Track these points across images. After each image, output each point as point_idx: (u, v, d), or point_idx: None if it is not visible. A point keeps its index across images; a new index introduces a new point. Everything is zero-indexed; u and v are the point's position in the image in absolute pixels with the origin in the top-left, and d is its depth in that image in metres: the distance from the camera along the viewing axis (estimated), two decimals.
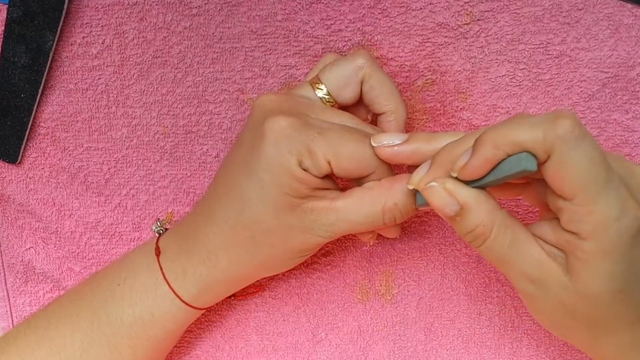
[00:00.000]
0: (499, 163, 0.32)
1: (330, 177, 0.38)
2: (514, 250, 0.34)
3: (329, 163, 0.37)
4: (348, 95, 0.39)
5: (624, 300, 0.34)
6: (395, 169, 0.40)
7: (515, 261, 0.34)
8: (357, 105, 0.41)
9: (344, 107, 0.40)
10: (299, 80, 0.44)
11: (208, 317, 0.47)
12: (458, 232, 0.35)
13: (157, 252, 0.41)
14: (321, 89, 0.39)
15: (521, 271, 0.34)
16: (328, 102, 0.40)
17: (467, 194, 0.33)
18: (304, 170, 0.36)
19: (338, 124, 0.38)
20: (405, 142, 0.37)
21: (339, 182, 0.40)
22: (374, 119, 0.41)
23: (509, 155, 0.32)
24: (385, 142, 0.37)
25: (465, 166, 0.33)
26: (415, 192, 0.37)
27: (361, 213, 0.38)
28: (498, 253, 0.34)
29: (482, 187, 0.34)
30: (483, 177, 0.33)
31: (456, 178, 0.34)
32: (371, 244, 0.45)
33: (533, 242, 0.34)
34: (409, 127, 0.44)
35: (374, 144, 0.37)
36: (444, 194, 0.34)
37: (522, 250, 0.34)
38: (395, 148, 0.37)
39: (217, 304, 0.44)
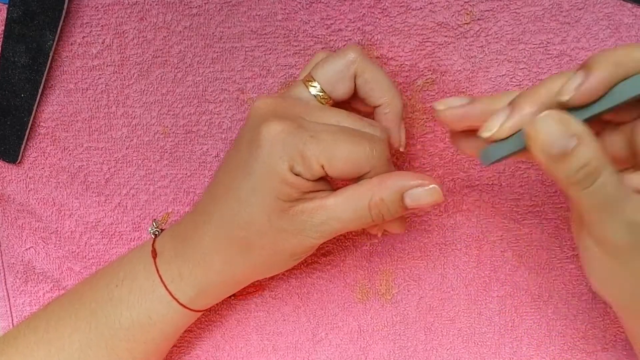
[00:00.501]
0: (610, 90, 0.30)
1: (324, 178, 0.38)
2: (622, 192, 0.30)
3: (322, 166, 0.36)
4: (342, 90, 0.39)
5: None
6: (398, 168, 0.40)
7: (622, 204, 0.30)
8: (354, 99, 0.41)
9: (339, 103, 0.40)
10: None
11: (208, 317, 0.47)
12: (563, 173, 0.30)
13: (154, 254, 0.41)
14: (314, 87, 0.39)
15: (625, 216, 0.31)
16: (322, 99, 0.39)
17: (582, 126, 0.30)
18: (296, 175, 0.36)
19: (333, 126, 0.37)
20: (472, 103, 0.34)
21: (334, 183, 0.40)
22: (371, 113, 0.41)
23: (624, 79, 0.30)
24: (454, 104, 0.34)
25: (581, 88, 0.30)
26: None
27: (349, 209, 0.37)
28: (607, 195, 0.30)
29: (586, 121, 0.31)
30: (590, 106, 0.30)
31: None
32: (379, 236, 0.44)
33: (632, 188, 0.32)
34: (409, 127, 0.44)
35: (439, 108, 0.35)
36: (555, 126, 0.30)
37: (629, 192, 0.31)
38: (464, 109, 0.34)
39: (217, 304, 0.44)
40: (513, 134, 0.32)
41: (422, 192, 0.36)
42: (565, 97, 0.30)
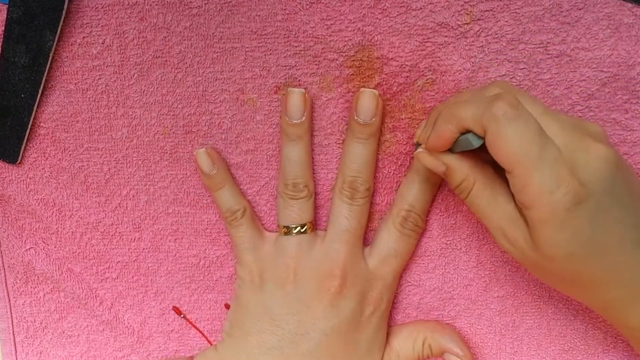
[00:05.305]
0: (457, 140, 0.37)
1: None
2: (492, 204, 0.38)
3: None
4: None
5: (584, 263, 0.36)
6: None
7: (493, 214, 0.38)
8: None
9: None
10: (299, 81, 0.44)
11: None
12: (450, 187, 0.40)
13: None
14: None
15: (498, 225, 0.38)
16: None
17: (449, 158, 0.39)
18: None
19: None
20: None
21: None
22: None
23: (462, 133, 0.37)
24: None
25: (428, 142, 0.39)
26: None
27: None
28: (479, 205, 0.38)
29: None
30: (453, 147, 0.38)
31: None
32: None
33: (510, 201, 0.37)
34: (408, 127, 0.44)
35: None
36: (430, 158, 0.39)
37: (500, 205, 0.37)
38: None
39: None
40: None
41: None
42: (422, 148, 0.40)
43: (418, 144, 0.41)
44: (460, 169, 0.38)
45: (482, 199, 0.38)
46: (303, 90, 0.43)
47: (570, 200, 0.34)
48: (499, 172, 0.39)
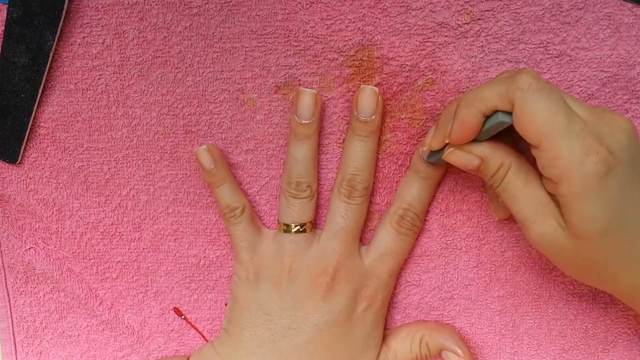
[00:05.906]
0: (485, 125, 0.37)
1: None
2: (526, 189, 0.37)
3: None
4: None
5: (616, 242, 0.35)
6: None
7: (525, 200, 0.37)
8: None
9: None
10: (299, 81, 0.44)
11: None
12: (484, 178, 0.39)
13: None
14: None
15: (528, 212, 0.37)
16: None
17: (482, 148, 0.38)
18: None
19: None
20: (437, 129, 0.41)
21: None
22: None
23: (486, 116, 0.36)
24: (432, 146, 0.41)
25: (452, 135, 0.38)
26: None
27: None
28: (511, 191, 0.37)
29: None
30: (480, 135, 0.37)
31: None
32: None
33: (542, 187, 0.37)
34: (408, 127, 0.44)
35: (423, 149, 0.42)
36: (463, 154, 0.38)
37: (533, 190, 0.37)
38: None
39: None
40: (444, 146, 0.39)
41: (454, 358, 0.44)
42: (446, 141, 0.39)
43: (428, 151, 0.41)
44: (495, 157, 0.38)
45: (517, 184, 0.37)
46: (315, 91, 0.43)
47: (602, 169, 0.33)
48: (529, 160, 0.39)
